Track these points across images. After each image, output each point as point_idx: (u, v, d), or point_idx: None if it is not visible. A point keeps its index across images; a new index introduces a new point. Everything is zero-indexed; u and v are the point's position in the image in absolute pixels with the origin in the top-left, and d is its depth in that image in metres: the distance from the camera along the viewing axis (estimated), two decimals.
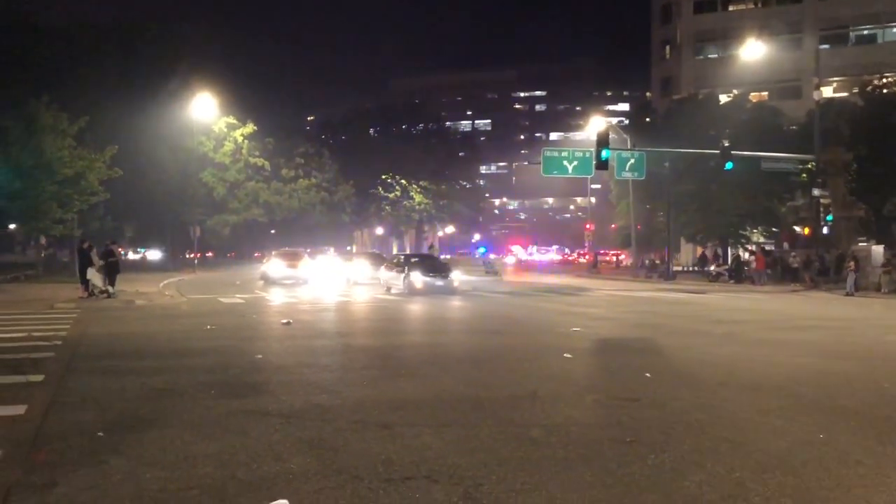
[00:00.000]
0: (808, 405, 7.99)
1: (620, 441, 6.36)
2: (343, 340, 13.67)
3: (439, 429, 6.77)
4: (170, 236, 56.63)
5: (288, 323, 16.26)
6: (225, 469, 5.54)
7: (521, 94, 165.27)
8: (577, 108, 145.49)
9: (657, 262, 50.46)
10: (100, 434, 6.53)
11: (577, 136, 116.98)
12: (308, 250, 44.72)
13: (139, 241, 72.46)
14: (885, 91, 42.24)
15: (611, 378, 10.00)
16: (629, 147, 38.45)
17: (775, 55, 57.24)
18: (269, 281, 33.66)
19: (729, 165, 32.21)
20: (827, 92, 49.48)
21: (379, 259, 38.35)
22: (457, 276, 27.83)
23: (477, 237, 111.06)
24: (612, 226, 60.60)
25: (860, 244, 33.67)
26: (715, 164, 35.29)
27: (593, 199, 73.14)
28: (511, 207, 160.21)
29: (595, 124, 47.01)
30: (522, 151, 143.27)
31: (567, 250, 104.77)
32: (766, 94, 59.77)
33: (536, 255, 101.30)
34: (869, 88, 42.74)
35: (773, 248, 48.24)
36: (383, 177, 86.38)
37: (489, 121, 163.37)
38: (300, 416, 7.25)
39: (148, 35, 52.30)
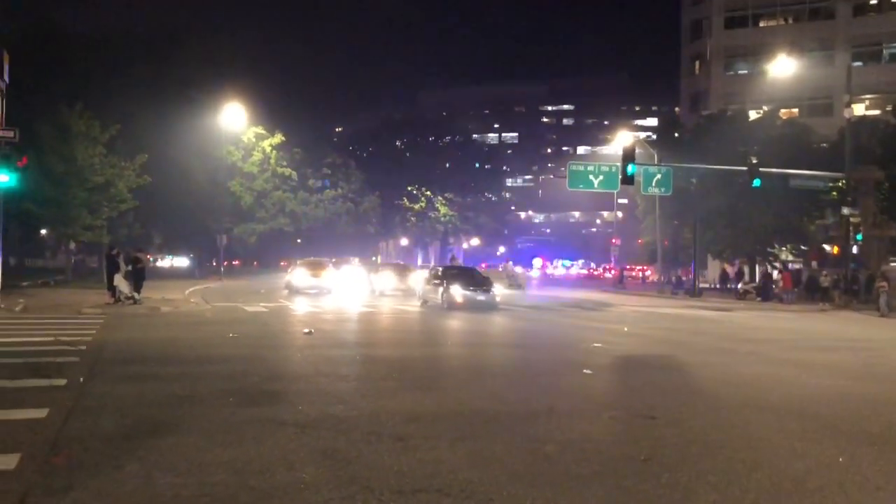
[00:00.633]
0: (829, 428, 7.86)
1: (635, 459, 6.31)
2: (362, 351, 13.70)
3: (454, 442, 6.76)
4: (197, 244, 57.25)
5: (309, 332, 16.33)
6: (238, 477, 5.57)
7: (549, 108, 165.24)
8: (605, 123, 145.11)
9: (683, 278, 50.00)
10: (118, 439, 6.61)
11: (604, 150, 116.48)
12: (333, 260, 44.88)
13: (167, 248, 73.39)
14: None
15: (629, 395, 9.91)
16: (656, 162, 38.25)
17: (806, 72, 56.66)
18: (293, 290, 33.85)
19: (756, 183, 31.88)
20: (859, 109, 48.86)
21: (405, 270, 38.04)
22: (499, 291, 26.82)
23: (502, 250, 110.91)
24: (639, 241, 60.20)
25: (892, 264, 33.12)
26: (743, 180, 34.93)
27: (620, 214, 72.71)
28: (537, 221, 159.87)
29: (622, 139, 46.92)
30: (549, 165, 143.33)
31: (593, 265, 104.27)
32: (796, 110, 59.10)
33: (561, 268, 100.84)
34: None
35: (800, 266, 47.62)
36: (409, 188, 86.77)
37: (516, 134, 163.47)
38: (315, 426, 7.28)
39: (180, 46, 53.15)
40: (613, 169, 35.40)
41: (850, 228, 32.53)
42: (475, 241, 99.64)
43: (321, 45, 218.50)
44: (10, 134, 20.83)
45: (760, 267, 47.64)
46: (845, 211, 32.61)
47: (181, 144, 48.20)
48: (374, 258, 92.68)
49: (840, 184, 35.96)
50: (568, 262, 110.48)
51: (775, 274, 43.05)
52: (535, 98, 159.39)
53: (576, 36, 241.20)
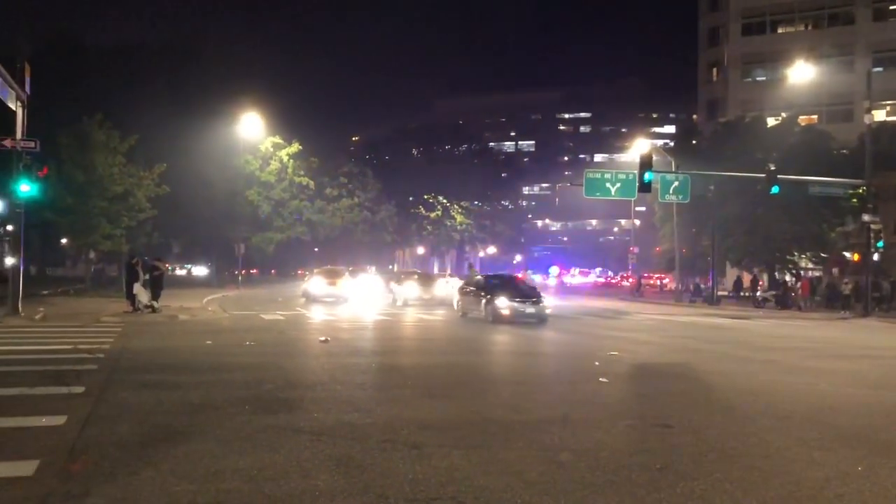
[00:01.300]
0: (847, 437, 7.77)
1: (650, 467, 6.27)
2: (378, 359, 13.72)
3: (468, 450, 6.75)
4: (215, 253, 57.60)
5: (325, 340, 16.39)
6: (253, 484, 5.60)
7: (566, 116, 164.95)
8: (623, 130, 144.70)
9: (701, 286, 49.65)
10: (134, 446, 6.66)
11: (621, 157, 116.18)
12: (350, 269, 44.98)
13: (185, 257, 73.91)
14: None
15: (645, 403, 9.86)
16: (674, 170, 38.06)
17: (825, 78, 56.27)
18: (309, 298, 33.99)
19: (775, 189, 31.64)
20: (879, 115, 48.49)
21: (430, 279, 37.22)
22: (549, 303, 24.70)
23: (518, 258, 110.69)
24: (656, 249, 59.86)
25: None
26: (762, 187, 34.66)
27: (637, 222, 72.45)
28: (553, 229, 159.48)
29: (639, 146, 46.75)
30: (566, 172, 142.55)
31: (610, 273, 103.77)
32: (815, 117, 58.69)
33: (578, 276, 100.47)
34: None
35: (821, 274, 47.18)
36: (425, 197, 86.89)
37: (533, 142, 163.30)
38: (330, 434, 7.30)
39: (198, 56, 53.66)
40: (631, 176, 35.26)
41: (871, 235, 32.18)
42: (491, 250, 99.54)
43: (338, 55, 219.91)
44: (32, 144, 21.04)
45: (780, 275, 47.24)
46: (866, 218, 32.28)
47: (199, 154, 48.56)
48: (390, 266, 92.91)
49: (860, 190, 35.62)
50: (586, 271, 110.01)
51: (791, 281, 42.65)
52: (551, 106, 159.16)
53: (593, 43, 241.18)
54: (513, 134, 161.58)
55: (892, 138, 42.19)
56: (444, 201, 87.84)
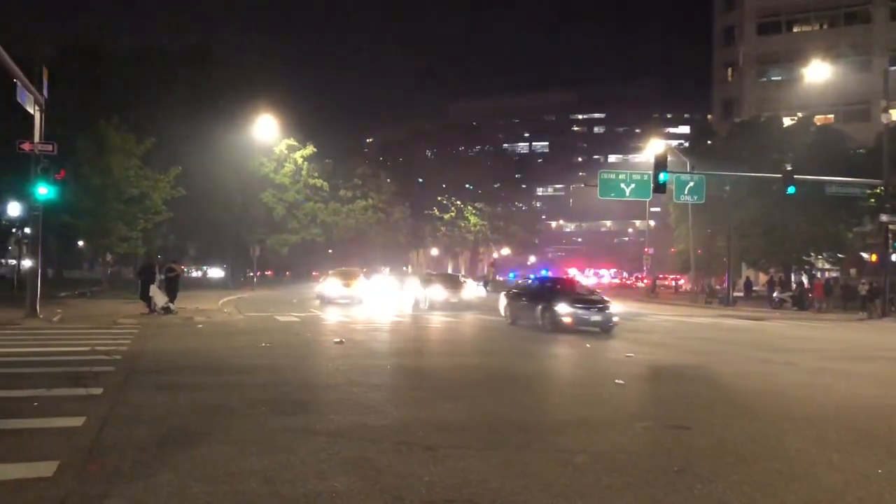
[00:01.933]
0: (867, 439, 7.70)
1: (668, 470, 6.24)
2: (393, 361, 13.72)
3: (484, 452, 6.74)
4: (230, 255, 57.87)
5: (340, 342, 16.42)
6: (269, 486, 5.62)
7: (580, 117, 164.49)
8: (637, 131, 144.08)
9: (717, 287, 49.38)
10: (152, 448, 6.70)
11: (635, 158, 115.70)
12: (364, 270, 45.04)
13: (201, 259, 74.29)
14: None
15: (662, 405, 9.81)
16: (689, 170, 37.86)
17: (842, 77, 55.82)
18: (324, 300, 33.99)
19: (791, 190, 31.42)
20: None
21: (456, 281, 35.50)
22: (615, 310, 21.50)
23: (532, 259, 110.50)
24: (671, 250, 59.60)
25: None
26: (777, 188, 34.45)
27: (652, 223, 72.18)
28: (568, 230, 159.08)
29: (654, 147, 46.52)
30: (580, 173, 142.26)
31: (625, 274, 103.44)
32: (831, 117, 58.23)
33: (593, 278, 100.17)
34: None
35: (837, 274, 46.82)
36: (439, 198, 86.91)
37: (546, 143, 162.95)
38: (346, 436, 7.31)
39: (213, 59, 53.92)
40: (645, 177, 35.09)
41: (889, 236, 31.90)
42: (505, 251, 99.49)
43: (352, 57, 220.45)
44: (49, 148, 21.22)
45: (796, 276, 46.92)
46: (884, 218, 32.00)
47: (214, 157, 48.80)
48: (404, 268, 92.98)
49: (878, 190, 35.32)
50: (601, 272, 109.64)
51: (807, 282, 42.40)
52: (565, 106, 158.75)
53: (607, 44, 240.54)
54: (526, 135, 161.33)
55: None
56: (458, 202, 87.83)
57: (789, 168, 32.24)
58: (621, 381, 11.43)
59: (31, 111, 21.16)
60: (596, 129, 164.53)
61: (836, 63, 54.72)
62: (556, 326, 20.37)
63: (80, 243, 53.02)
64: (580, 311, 20.71)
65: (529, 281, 26.19)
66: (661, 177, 29.65)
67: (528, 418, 8.41)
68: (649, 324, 26.39)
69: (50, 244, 41.42)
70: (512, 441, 7.23)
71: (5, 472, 5.80)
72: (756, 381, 11.79)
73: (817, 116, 53.55)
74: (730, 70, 70.72)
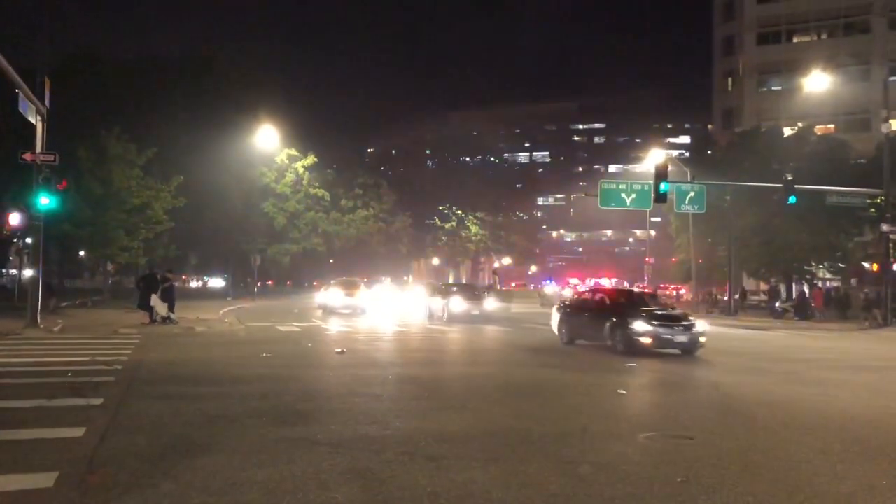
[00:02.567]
0: (872, 449, 7.66)
1: (671, 481, 6.20)
2: (394, 370, 13.69)
3: (486, 463, 6.70)
4: (231, 265, 57.89)
5: (342, 352, 16.39)
6: (271, 497, 5.58)
7: (581, 126, 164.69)
8: (637, 140, 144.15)
9: (718, 295, 49.29)
10: (153, 458, 6.67)
11: (636, 168, 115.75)
12: (364, 280, 44.99)
13: (202, 269, 74.32)
14: None
15: (665, 415, 9.77)
16: (689, 180, 37.86)
17: (842, 87, 55.86)
18: (326, 310, 33.91)
19: (792, 200, 31.41)
20: None
21: (474, 291, 33.71)
22: (702, 327, 17.92)
23: (534, 269, 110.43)
24: (672, 259, 59.55)
25: None
26: (778, 198, 34.45)
27: (653, 233, 72.18)
28: (568, 239, 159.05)
29: (654, 156, 46.53)
30: (581, 183, 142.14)
31: (626, 283, 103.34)
32: (832, 126, 58.27)
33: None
34: None
35: (838, 284, 46.79)
36: (440, 208, 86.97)
37: (547, 153, 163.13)
38: (348, 446, 7.27)
39: (214, 69, 54.11)
40: (646, 187, 35.10)
41: (890, 245, 31.86)
42: (507, 260, 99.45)
43: (353, 67, 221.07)
44: (51, 158, 21.25)
45: (797, 285, 46.88)
46: (885, 227, 31.96)
47: (215, 166, 48.92)
48: (405, 278, 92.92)
49: (879, 200, 35.30)
50: (601, 281, 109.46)
51: (808, 292, 42.37)
52: (565, 116, 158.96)
53: (607, 54, 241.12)
54: (527, 145, 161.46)
55: None
56: (459, 212, 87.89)
57: (790, 178, 32.24)
58: (623, 391, 11.41)
59: (33, 121, 21.21)
60: (596, 139, 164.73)
61: (836, 73, 54.77)
62: (631, 348, 16.94)
63: (82, 253, 53.05)
64: (661, 330, 17.21)
65: (590, 292, 22.45)
66: (662, 186, 29.65)
67: (530, 428, 8.35)
68: None
69: (51, 254, 41.38)
70: (514, 451, 7.18)
71: (5, 484, 5.76)
72: (758, 391, 11.74)
73: (817, 126, 53.59)
74: (730, 80, 70.81)
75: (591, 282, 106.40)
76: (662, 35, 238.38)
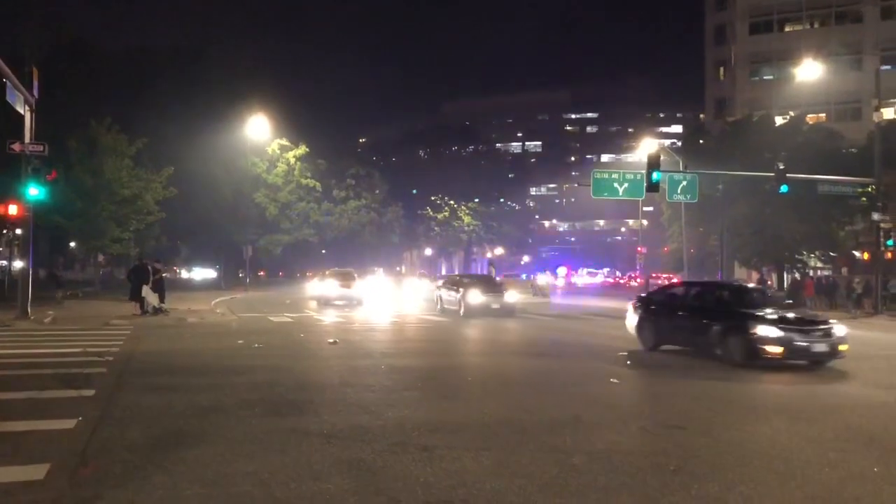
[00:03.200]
0: (864, 437, 7.70)
1: (664, 469, 6.21)
2: (387, 361, 13.66)
3: (479, 452, 6.70)
4: (223, 255, 57.72)
5: (334, 342, 16.37)
6: (263, 487, 5.57)
7: (573, 116, 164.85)
8: (630, 130, 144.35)
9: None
10: (145, 450, 6.65)
11: (628, 157, 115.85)
12: (353, 270, 44.76)
13: (194, 259, 74.09)
14: None
15: (658, 404, 9.79)
16: (681, 169, 37.89)
17: (833, 76, 55.95)
18: (321, 301, 33.56)
19: (784, 189, 31.48)
20: (888, 113, 48.08)
21: (493, 283, 30.64)
22: (842, 332, 13.98)
23: (526, 259, 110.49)
24: (664, 249, 59.71)
25: None
26: (770, 187, 34.48)
27: (645, 222, 72.34)
28: (561, 229, 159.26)
29: (647, 146, 46.57)
30: (573, 173, 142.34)
31: (618, 273, 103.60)
32: (823, 115, 58.40)
33: (586, 277, 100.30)
34: None
35: (829, 273, 46.98)
36: (432, 198, 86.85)
37: (540, 143, 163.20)
38: (341, 437, 7.26)
39: (205, 59, 53.82)
40: (638, 177, 35.12)
41: (881, 234, 31.99)
42: (499, 251, 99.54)
43: (344, 57, 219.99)
44: (40, 148, 21.10)
45: (789, 274, 47.05)
46: (875, 216, 32.09)
47: (207, 157, 48.69)
48: (398, 268, 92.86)
49: (870, 189, 35.44)
50: (593, 271, 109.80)
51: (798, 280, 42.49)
52: (558, 106, 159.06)
53: (599, 44, 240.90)
54: (520, 135, 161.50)
55: None
56: (452, 202, 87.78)
57: (781, 167, 32.29)
58: (616, 380, 11.43)
59: (22, 111, 21.05)
60: (589, 129, 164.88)
61: (828, 62, 54.81)
62: (752, 356, 13.38)
63: (73, 244, 52.83)
64: (795, 336, 13.32)
65: (685, 286, 18.15)
66: (654, 176, 29.66)
67: (522, 418, 8.37)
68: None
69: (41, 245, 41.15)
70: (507, 441, 7.20)
71: None
72: (751, 380, 11.77)
73: (809, 115, 53.72)
74: (722, 69, 70.81)
75: (583, 271, 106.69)
76: (654, 25, 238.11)
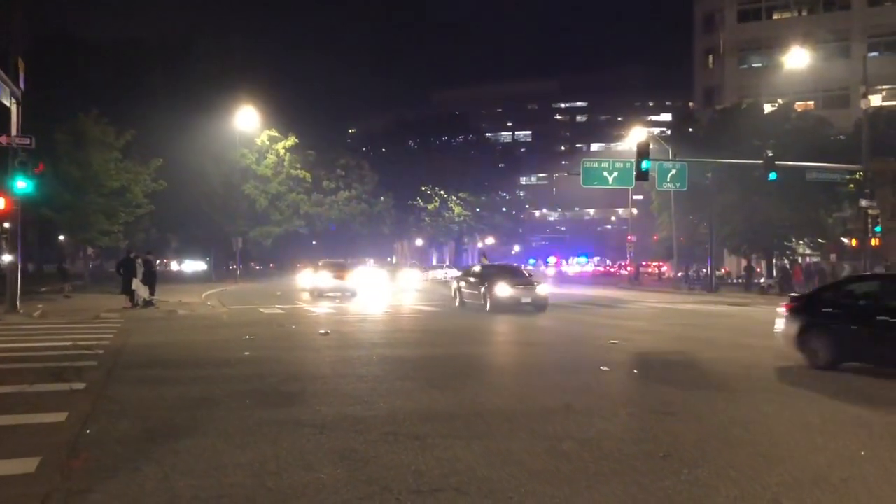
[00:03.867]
0: (850, 420, 7.78)
1: (654, 455, 6.26)
2: (377, 351, 13.68)
3: (471, 441, 6.73)
4: (213, 247, 57.56)
5: (326, 333, 16.37)
6: (256, 478, 5.58)
7: (562, 105, 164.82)
8: (619, 119, 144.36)
9: (703, 270, 49.60)
10: (136, 442, 6.65)
11: (618, 146, 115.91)
12: (346, 261, 44.68)
13: (183, 252, 73.85)
14: None
15: (647, 391, 9.85)
16: (671, 158, 37.99)
17: (821, 64, 56.13)
18: (314, 293, 33.32)
19: (772, 176, 31.62)
20: (875, 100, 48.30)
21: (521, 274, 27.10)
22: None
23: (517, 249, 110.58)
24: (654, 237, 59.89)
25: None
26: (759, 174, 34.62)
27: (635, 211, 72.41)
28: (552, 219, 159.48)
29: (636, 135, 46.62)
30: (563, 162, 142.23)
31: (608, 262, 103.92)
32: (811, 103, 58.63)
33: (577, 266, 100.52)
34: None
35: (818, 259, 47.26)
36: (423, 188, 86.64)
37: (530, 132, 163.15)
38: (332, 427, 7.28)
39: (193, 50, 53.49)
40: (628, 165, 35.19)
41: (869, 221, 32.17)
42: (490, 241, 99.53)
43: (333, 47, 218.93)
44: (27, 141, 20.94)
45: (778, 261, 47.31)
46: (863, 203, 32.23)
47: (195, 148, 48.49)
48: (389, 259, 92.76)
49: (857, 176, 35.62)
50: (583, 260, 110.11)
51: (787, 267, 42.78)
52: (547, 95, 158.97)
53: (588, 32, 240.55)
54: (509, 124, 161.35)
55: (889, 123, 42.14)
56: (442, 192, 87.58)
57: (770, 154, 32.41)
58: (606, 368, 11.47)
59: (8, 104, 20.89)
60: (578, 118, 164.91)
61: (816, 49, 54.96)
62: None
63: (61, 237, 52.56)
64: None
65: (882, 280, 13.76)
66: (644, 164, 29.74)
67: (513, 406, 8.40)
68: (633, 310, 26.52)
69: (30, 239, 40.97)
70: (498, 429, 7.23)
71: None
72: (739, 366, 11.85)
73: (798, 103, 53.90)
74: (710, 57, 70.90)
75: (574, 260, 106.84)
76: (643, 13, 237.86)
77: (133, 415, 7.81)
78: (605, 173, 36.02)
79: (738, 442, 6.79)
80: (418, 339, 16.43)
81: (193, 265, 73.76)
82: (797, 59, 47.87)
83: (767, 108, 50.78)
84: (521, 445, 6.58)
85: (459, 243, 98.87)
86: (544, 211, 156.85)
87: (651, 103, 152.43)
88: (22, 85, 21.30)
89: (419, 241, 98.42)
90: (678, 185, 37.12)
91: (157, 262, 26.22)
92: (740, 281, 47.25)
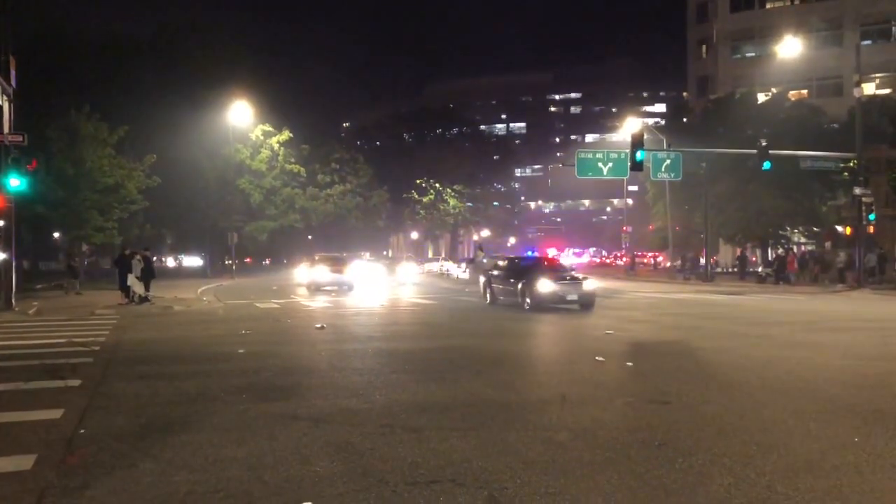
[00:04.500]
0: (843, 408, 7.81)
1: (649, 444, 6.29)
2: (373, 344, 13.70)
3: (466, 432, 6.76)
4: (208, 243, 57.42)
5: (322, 327, 16.38)
6: (252, 472, 5.60)
7: (557, 97, 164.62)
8: (613, 110, 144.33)
9: (700, 259, 49.66)
10: (132, 438, 6.65)
11: (613, 137, 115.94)
12: (343, 255, 44.63)
13: (178, 248, 73.69)
14: None
15: (642, 381, 9.87)
16: (665, 148, 38.04)
17: (815, 52, 56.23)
18: (311, 287, 33.25)
19: (767, 165, 31.70)
20: (869, 89, 48.44)
21: (561, 269, 24.47)
22: None
23: (513, 241, 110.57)
24: (650, 227, 59.95)
25: None
26: (753, 163, 34.74)
27: (630, 201, 72.44)
28: (547, 210, 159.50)
29: (630, 125, 46.66)
30: (558, 154, 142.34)
31: (604, 252, 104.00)
32: (805, 92, 58.69)
33: (572, 257, 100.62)
34: None
35: (813, 247, 47.42)
36: (418, 181, 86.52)
37: (524, 124, 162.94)
38: (328, 420, 7.30)
39: (185, 45, 53.25)
40: (622, 156, 35.23)
41: (863, 208, 32.27)
42: (485, 233, 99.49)
43: (326, 41, 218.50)
44: (20, 138, 20.89)
45: (773, 250, 47.46)
46: (857, 191, 32.35)
47: (189, 144, 48.35)
48: (385, 252, 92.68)
49: (851, 164, 35.74)
50: (580, 251, 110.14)
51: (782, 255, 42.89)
52: (541, 87, 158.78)
53: (581, 23, 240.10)
54: (504, 116, 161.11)
55: (882, 111, 42.25)
56: (437, 185, 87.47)
57: (764, 143, 32.48)
58: (601, 358, 11.49)
59: (0, 101, 20.82)
60: (573, 109, 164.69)
61: (809, 38, 55.10)
62: None
63: (56, 235, 52.41)
64: None
65: None
66: (638, 155, 29.76)
67: (509, 397, 8.43)
68: (628, 301, 26.56)
69: (24, 236, 40.79)
70: (494, 420, 7.24)
71: None
72: (734, 355, 11.90)
73: (791, 92, 53.99)
74: (704, 47, 70.91)
75: (569, 251, 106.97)
76: (636, 3, 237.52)
77: (129, 411, 7.82)
78: (600, 164, 36.08)
79: (732, 430, 6.82)
80: (412, 332, 16.42)
81: (189, 261, 73.57)
82: (790, 48, 47.96)
83: (761, 97, 50.83)
84: (517, 436, 6.61)
85: (455, 236, 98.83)
86: (539, 202, 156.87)
87: (645, 94, 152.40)
88: (14, 82, 21.25)
89: (414, 235, 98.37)
90: (673, 175, 37.19)
91: (154, 258, 26.13)
92: (733, 270, 47.37)
